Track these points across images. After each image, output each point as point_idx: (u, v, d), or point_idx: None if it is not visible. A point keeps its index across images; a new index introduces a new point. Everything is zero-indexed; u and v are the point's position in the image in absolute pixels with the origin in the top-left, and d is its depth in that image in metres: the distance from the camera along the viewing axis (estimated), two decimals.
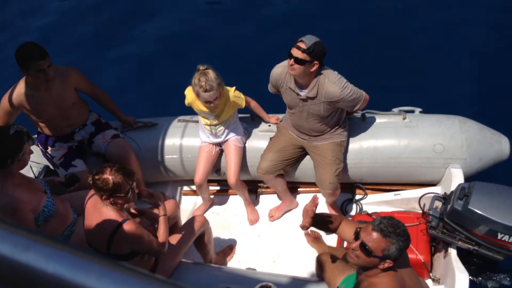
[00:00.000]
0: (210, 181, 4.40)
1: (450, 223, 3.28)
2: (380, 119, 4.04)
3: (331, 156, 3.82)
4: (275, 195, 4.41)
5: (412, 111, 4.10)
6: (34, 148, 3.42)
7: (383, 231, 2.43)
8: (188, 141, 4.29)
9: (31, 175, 3.94)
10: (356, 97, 3.60)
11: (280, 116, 4.19)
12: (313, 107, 3.65)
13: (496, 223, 3.09)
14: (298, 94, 3.64)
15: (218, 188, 4.61)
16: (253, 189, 4.45)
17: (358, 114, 4.05)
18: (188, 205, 4.55)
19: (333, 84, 3.50)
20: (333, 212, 4.08)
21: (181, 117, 4.39)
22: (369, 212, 3.99)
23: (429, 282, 3.38)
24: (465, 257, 3.39)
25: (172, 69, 6.25)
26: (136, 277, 0.73)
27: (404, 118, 3.98)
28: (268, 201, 4.46)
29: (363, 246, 2.48)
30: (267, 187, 4.39)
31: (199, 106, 3.83)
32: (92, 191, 3.07)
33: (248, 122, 4.28)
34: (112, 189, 2.84)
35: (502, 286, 3.53)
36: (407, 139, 3.89)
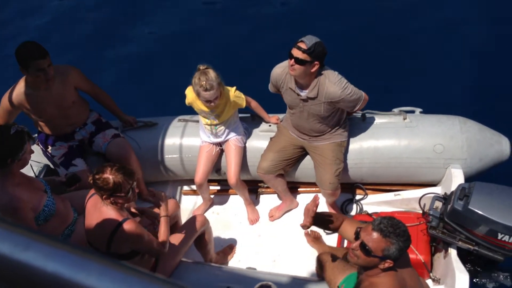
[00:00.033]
0: (210, 181, 4.40)
1: (450, 223, 3.28)
2: (381, 119, 4.04)
3: (332, 156, 3.82)
4: (275, 195, 4.41)
5: (413, 111, 4.10)
6: (34, 147, 3.43)
7: (383, 231, 2.43)
8: (188, 141, 4.28)
9: (32, 174, 3.94)
10: (356, 98, 3.60)
11: (281, 116, 4.19)
12: (313, 108, 3.65)
13: (496, 223, 3.09)
14: (298, 95, 3.64)
15: (218, 187, 4.61)
16: (253, 189, 4.45)
17: (359, 114, 4.05)
18: (188, 205, 4.55)
19: (333, 84, 3.50)
20: (333, 212, 4.08)
21: (181, 117, 4.39)
22: (369, 212, 3.99)
23: (429, 282, 3.38)
24: (465, 257, 3.39)
25: (172, 68, 6.25)
26: (136, 276, 0.73)
27: (404, 118, 3.98)
28: (268, 201, 4.46)
29: (363, 246, 2.48)
30: (267, 187, 4.39)
31: (199, 106, 3.83)
32: (92, 191, 3.07)
33: (249, 122, 4.28)
34: (113, 188, 2.85)
35: (502, 286, 3.54)
36: (407, 139, 3.89)
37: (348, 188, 4.22)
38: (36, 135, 4.10)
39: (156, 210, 3.51)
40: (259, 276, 3.38)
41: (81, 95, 4.07)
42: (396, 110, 4.07)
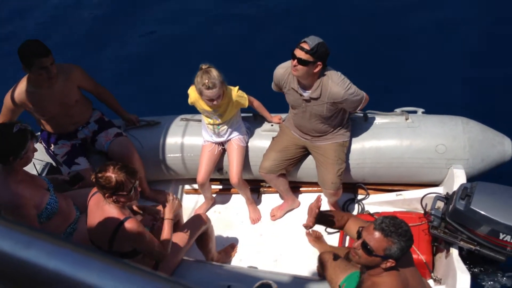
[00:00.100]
0: (212, 180, 4.41)
1: (452, 223, 3.28)
2: (383, 120, 4.03)
3: (334, 156, 3.82)
4: (277, 194, 4.41)
5: (415, 112, 4.10)
6: (37, 145, 3.43)
7: (385, 231, 2.43)
8: (190, 140, 4.29)
9: (34, 173, 3.94)
10: (359, 98, 3.60)
11: (283, 115, 4.19)
12: (316, 108, 3.65)
13: (498, 223, 3.08)
14: (301, 95, 3.64)
15: (220, 187, 4.61)
16: (255, 188, 4.46)
17: (361, 114, 4.04)
18: (190, 204, 4.55)
19: (336, 85, 3.50)
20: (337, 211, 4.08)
21: (183, 116, 4.40)
22: (371, 212, 4.00)
23: (430, 282, 3.38)
24: (467, 257, 3.39)
25: (174, 68, 6.25)
26: (138, 274, 0.73)
27: (406, 119, 3.98)
28: (270, 201, 4.46)
29: (364, 245, 2.48)
30: (269, 187, 4.39)
31: (202, 105, 3.84)
32: (94, 189, 3.07)
33: (251, 121, 4.28)
34: (115, 187, 2.85)
35: (503, 286, 3.53)
36: (409, 139, 3.88)
37: (350, 188, 4.22)
38: (39, 133, 4.11)
39: (159, 207, 3.53)
40: (260, 275, 3.38)
41: (84, 94, 4.08)
42: (398, 110, 4.07)
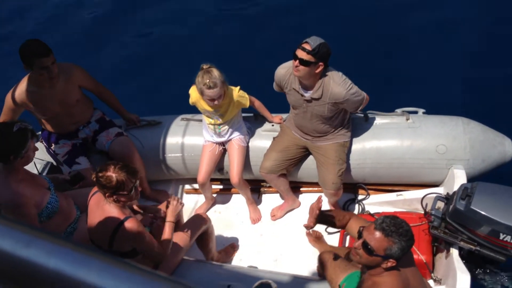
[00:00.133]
0: (213, 180, 4.41)
1: (452, 223, 3.28)
2: (383, 120, 4.03)
3: (334, 157, 3.82)
4: (278, 194, 4.41)
5: (416, 112, 4.10)
6: (38, 144, 3.43)
7: (385, 230, 2.43)
8: (191, 140, 4.29)
9: (35, 172, 3.95)
10: (360, 98, 3.60)
11: (284, 115, 4.19)
12: (317, 108, 3.64)
13: (499, 224, 3.08)
14: (302, 95, 3.64)
15: (220, 187, 4.61)
16: (255, 188, 4.46)
17: (361, 115, 4.04)
18: (190, 204, 4.55)
19: (338, 85, 3.50)
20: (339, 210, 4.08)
21: (184, 116, 4.40)
22: (372, 212, 4.00)
23: (430, 282, 3.38)
24: (467, 257, 3.38)
25: (175, 68, 6.25)
26: (137, 274, 0.73)
27: (407, 119, 3.97)
28: (270, 201, 4.46)
29: (365, 245, 2.48)
30: (270, 187, 4.39)
31: (203, 105, 3.84)
32: (95, 189, 3.08)
33: (252, 121, 4.28)
34: (116, 186, 2.85)
35: (503, 286, 3.53)
36: (410, 139, 3.88)
37: (350, 188, 4.22)
38: (39, 132, 4.11)
39: (160, 206, 3.53)
40: (260, 275, 3.38)
41: (85, 94, 4.08)
42: (399, 110, 4.07)
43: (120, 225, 2.91)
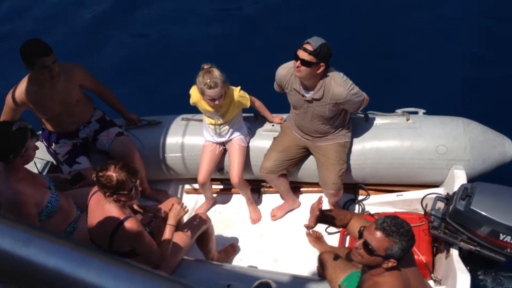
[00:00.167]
0: (213, 180, 4.40)
1: (452, 224, 3.28)
2: (384, 120, 4.03)
3: (335, 157, 3.82)
4: (278, 194, 4.41)
5: (416, 113, 4.10)
6: (38, 144, 3.43)
7: (386, 230, 2.42)
8: (191, 140, 4.29)
9: (35, 171, 3.95)
10: (361, 99, 3.60)
11: (284, 116, 4.19)
12: (317, 109, 3.64)
13: (499, 224, 3.08)
14: (303, 96, 3.63)
15: (221, 187, 4.61)
16: (255, 188, 4.46)
17: (362, 115, 4.04)
18: (190, 204, 4.54)
19: (339, 85, 3.49)
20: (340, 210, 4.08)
21: (184, 116, 4.40)
22: (372, 212, 3.99)
23: (430, 282, 3.38)
24: (467, 258, 3.38)
25: (175, 68, 6.25)
26: (137, 273, 0.73)
27: (407, 119, 3.97)
28: (270, 201, 4.46)
29: (365, 245, 2.48)
30: (270, 187, 4.39)
31: (204, 105, 3.84)
32: (95, 188, 3.08)
33: (252, 121, 4.28)
34: (116, 186, 2.85)
35: (503, 287, 3.53)
36: (410, 140, 3.88)
37: (350, 189, 4.22)
38: (40, 132, 4.11)
39: (160, 206, 3.53)
40: (260, 275, 3.38)
41: (85, 93, 4.08)
42: (399, 111, 4.07)
43: (120, 224, 2.91)
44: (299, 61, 3.37)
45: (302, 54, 3.35)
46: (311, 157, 4.06)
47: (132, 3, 7.69)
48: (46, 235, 0.75)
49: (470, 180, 3.68)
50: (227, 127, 3.99)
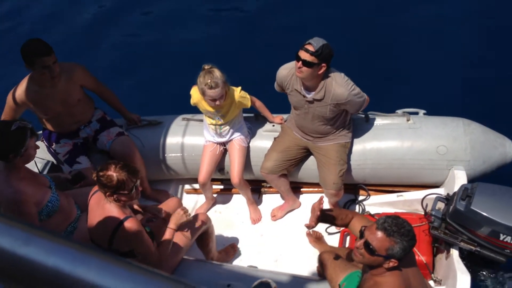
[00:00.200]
0: (213, 180, 4.40)
1: (453, 224, 3.28)
2: (384, 121, 4.03)
3: (336, 157, 3.82)
4: (278, 194, 4.41)
5: (416, 113, 4.09)
6: (39, 143, 3.43)
7: (387, 230, 2.42)
8: (192, 140, 4.29)
9: (36, 170, 3.95)
10: (362, 100, 3.60)
11: (285, 116, 4.19)
12: (318, 109, 3.64)
13: (499, 224, 3.08)
14: (304, 96, 3.63)
15: (221, 187, 4.61)
16: (256, 188, 4.46)
17: (362, 116, 4.04)
18: (191, 204, 4.55)
19: (340, 86, 3.49)
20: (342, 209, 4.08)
21: (185, 116, 4.40)
22: (372, 213, 3.99)
23: (431, 283, 3.37)
24: (467, 258, 3.38)
25: (176, 68, 6.25)
26: (137, 273, 0.73)
27: (408, 120, 3.97)
28: (270, 201, 4.46)
29: (367, 245, 2.48)
30: (270, 187, 4.39)
31: (204, 106, 3.84)
32: (95, 188, 3.08)
33: (252, 121, 4.28)
34: (116, 186, 2.85)
35: (503, 287, 3.52)
36: (410, 140, 3.88)
37: (350, 189, 4.22)
38: (40, 132, 4.11)
39: (160, 206, 3.53)
40: (260, 275, 3.38)
41: (86, 93, 4.08)
42: (399, 111, 4.07)
43: (120, 224, 2.91)
44: (300, 62, 3.37)
45: (303, 55, 3.35)
46: (311, 157, 4.06)
47: (132, 3, 7.69)
48: (46, 234, 0.75)
49: (471, 180, 3.68)
50: (227, 127, 3.99)
